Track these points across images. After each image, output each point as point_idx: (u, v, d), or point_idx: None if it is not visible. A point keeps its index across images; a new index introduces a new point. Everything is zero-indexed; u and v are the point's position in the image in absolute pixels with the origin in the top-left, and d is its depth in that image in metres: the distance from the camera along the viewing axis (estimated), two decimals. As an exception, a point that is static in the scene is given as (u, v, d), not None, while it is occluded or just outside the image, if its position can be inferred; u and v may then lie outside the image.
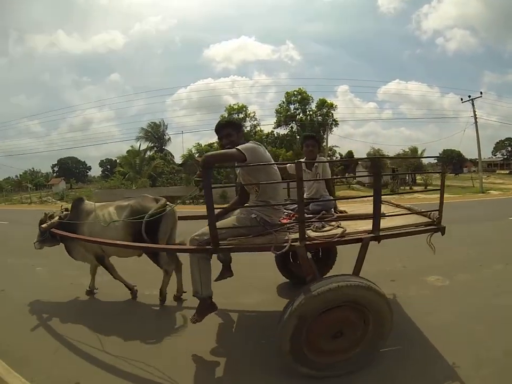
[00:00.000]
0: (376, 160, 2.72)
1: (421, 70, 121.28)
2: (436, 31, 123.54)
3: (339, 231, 2.38)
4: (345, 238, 2.37)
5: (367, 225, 2.43)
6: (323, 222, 2.61)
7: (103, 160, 68.45)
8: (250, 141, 2.65)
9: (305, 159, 3.59)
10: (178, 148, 34.81)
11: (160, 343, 2.72)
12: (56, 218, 4.04)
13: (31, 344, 2.83)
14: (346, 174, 35.16)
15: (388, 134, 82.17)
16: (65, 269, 4.59)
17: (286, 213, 3.02)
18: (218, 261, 2.85)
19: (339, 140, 50.59)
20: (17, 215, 15.43)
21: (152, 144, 31.49)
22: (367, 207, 3.18)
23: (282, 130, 29.76)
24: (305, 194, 3.47)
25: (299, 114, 28.68)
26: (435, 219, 2.57)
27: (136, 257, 3.62)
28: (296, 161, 2.29)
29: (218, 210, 2.66)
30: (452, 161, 49.03)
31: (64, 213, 4.11)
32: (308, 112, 28.40)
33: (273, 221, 2.58)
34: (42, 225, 3.91)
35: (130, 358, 2.47)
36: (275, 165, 2.77)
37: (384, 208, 2.99)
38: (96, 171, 72.33)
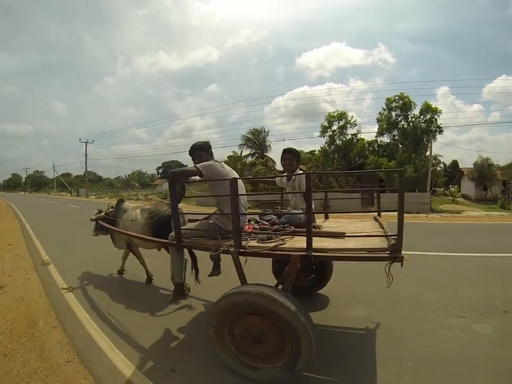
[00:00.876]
0: (307, 176, 2.62)
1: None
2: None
3: (277, 244, 2.65)
4: (274, 252, 2.58)
5: (337, 243, 2.62)
6: (272, 235, 2.85)
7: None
8: (210, 160, 3.22)
9: (285, 172, 3.75)
10: (278, 155, 35.38)
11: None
12: (103, 213, 5.36)
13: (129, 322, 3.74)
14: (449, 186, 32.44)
15: (496, 140, 76.45)
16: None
17: (259, 221, 3.36)
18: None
19: (441, 148, 47.16)
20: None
21: (253, 151, 32.76)
22: (359, 224, 3.37)
23: (385, 139, 28.56)
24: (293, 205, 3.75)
25: (401, 122, 26.99)
26: (390, 246, 2.30)
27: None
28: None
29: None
30: None
31: (110, 210, 5.41)
32: (410, 119, 26.63)
33: (227, 228, 2.98)
34: (92, 217, 5.42)
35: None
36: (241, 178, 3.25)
37: (369, 225, 3.21)
38: None
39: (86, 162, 50.86)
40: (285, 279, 2.61)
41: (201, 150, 3.37)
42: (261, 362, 2.60)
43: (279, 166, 31.91)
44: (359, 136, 29.31)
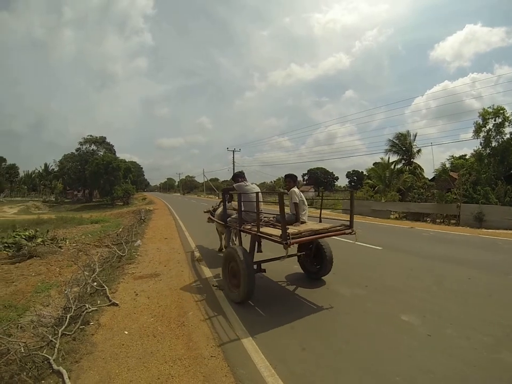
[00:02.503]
0: (279, 194, 4.71)
1: None
2: None
3: (267, 230, 4.77)
4: (248, 231, 5.15)
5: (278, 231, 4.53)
6: (262, 224, 4.98)
7: (350, 172, 79.28)
8: (242, 182, 6.00)
9: (286, 189, 5.79)
10: (422, 161, 31.32)
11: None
12: (212, 208, 8.81)
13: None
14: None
15: None
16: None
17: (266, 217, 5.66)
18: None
19: None
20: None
21: (400, 157, 31.22)
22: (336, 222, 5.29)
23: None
24: (289, 210, 5.55)
25: None
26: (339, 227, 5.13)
27: None
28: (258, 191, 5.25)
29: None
30: None
31: (216, 207, 8.59)
32: None
33: (243, 219, 5.46)
34: (204, 210, 9.21)
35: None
36: (251, 189, 5.71)
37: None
38: (342, 181, 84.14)
39: (233, 168, 56.29)
40: (251, 245, 5.24)
41: (238, 177, 6.36)
42: (234, 288, 4.96)
43: (427, 174, 29.74)
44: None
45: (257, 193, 4.97)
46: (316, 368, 3.15)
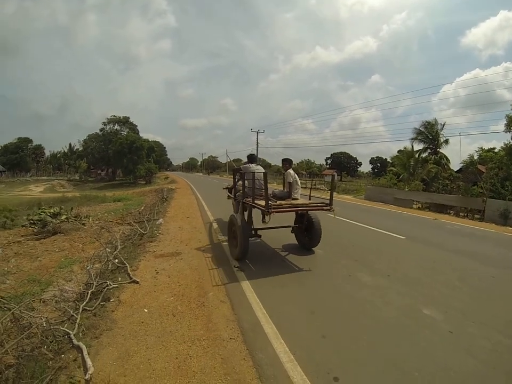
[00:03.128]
0: (264, 174, 6.08)
1: None
2: None
3: (260, 202, 5.62)
4: (244, 201, 6.40)
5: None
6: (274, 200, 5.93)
7: (373, 158, 77.54)
8: (248, 164, 6.90)
9: (284, 170, 7.08)
10: (448, 151, 29.92)
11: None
12: (229, 186, 9.57)
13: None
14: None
15: None
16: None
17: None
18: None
19: None
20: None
21: (426, 146, 30.57)
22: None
23: None
24: (285, 188, 6.98)
25: None
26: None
27: None
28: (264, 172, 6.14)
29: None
30: None
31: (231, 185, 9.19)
32: None
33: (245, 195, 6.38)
34: (223, 187, 10.84)
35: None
36: (252, 171, 6.17)
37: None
38: (365, 167, 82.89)
39: (257, 149, 56.01)
40: (248, 213, 6.68)
41: (249, 159, 7.19)
42: (234, 247, 6.21)
43: (453, 165, 29.20)
44: None
45: (253, 173, 5.94)
46: (335, 356, 3.09)
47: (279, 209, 5.49)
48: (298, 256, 6.47)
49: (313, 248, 6.95)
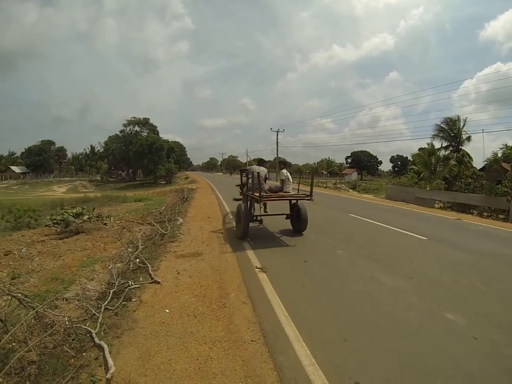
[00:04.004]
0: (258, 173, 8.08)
1: None
2: None
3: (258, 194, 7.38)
4: (246, 194, 8.71)
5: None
6: (268, 193, 8.02)
7: (394, 156, 77.28)
8: (254, 166, 9.02)
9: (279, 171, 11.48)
10: (470, 148, 28.72)
11: None
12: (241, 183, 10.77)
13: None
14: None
15: None
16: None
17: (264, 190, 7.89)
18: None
19: None
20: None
21: (447, 143, 29.37)
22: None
23: None
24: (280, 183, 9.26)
25: None
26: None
27: None
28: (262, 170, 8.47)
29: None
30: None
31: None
32: None
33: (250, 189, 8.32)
34: (235, 185, 12.36)
35: None
36: (254, 171, 7.92)
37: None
38: (386, 166, 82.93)
39: (277, 149, 56.06)
40: (250, 203, 8.49)
41: (258, 162, 9.27)
42: (239, 228, 8.10)
43: (476, 163, 28.10)
44: None
45: (252, 173, 8.04)
46: (357, 360, 3.04)
47: (268, 199, 7.55)
48: (319, 257, 6.43)
49: (338, 251, 6.95)
